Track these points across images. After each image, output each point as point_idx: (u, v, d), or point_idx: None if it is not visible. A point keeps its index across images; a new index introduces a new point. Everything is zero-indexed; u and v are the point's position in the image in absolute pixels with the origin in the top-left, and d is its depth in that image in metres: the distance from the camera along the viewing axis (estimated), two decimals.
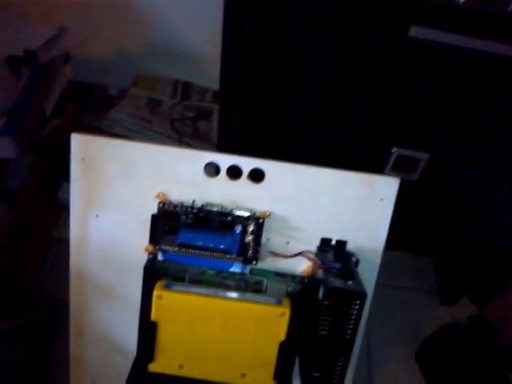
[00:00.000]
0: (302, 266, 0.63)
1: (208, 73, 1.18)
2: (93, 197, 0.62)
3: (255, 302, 0.59)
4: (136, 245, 0.62)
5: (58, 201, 0.86)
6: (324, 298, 0.52)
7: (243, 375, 0.60)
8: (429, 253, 0.95)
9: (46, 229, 0.86)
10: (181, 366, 0.60)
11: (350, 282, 0.53)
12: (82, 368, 0.70)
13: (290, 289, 0.62)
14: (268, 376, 0.60)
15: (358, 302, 0.51)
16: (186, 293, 0.59)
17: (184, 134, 1.00)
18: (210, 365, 0.60)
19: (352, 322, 0.52)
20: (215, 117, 1.07)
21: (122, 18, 1.03)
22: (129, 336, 0.66)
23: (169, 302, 0.58)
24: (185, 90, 1.13)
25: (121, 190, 0.61)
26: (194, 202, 0.59)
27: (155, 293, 0.58)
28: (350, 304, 0.51)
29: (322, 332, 0.53)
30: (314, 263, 0.58)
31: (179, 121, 1.02)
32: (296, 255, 0.60)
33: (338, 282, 0.53)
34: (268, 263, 0.62)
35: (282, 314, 0.58)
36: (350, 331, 0.52)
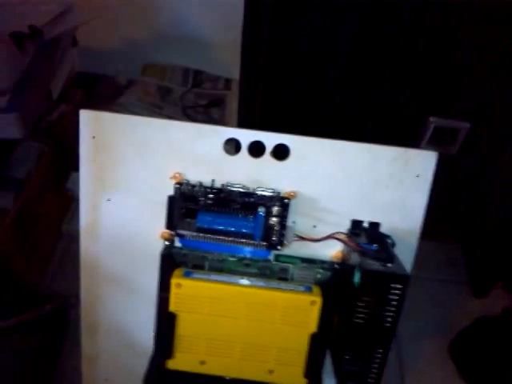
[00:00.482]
0: (332, 251, 0.58)
1: (219, 60, 1.14)
2: (104, 179, 0.57)
3: (282, 289, 0.54)
4: (151, 231, 0.58)
5: (66, 192, 0.82)
6: (361, 282, 0.47)
7: (270, 372, 0.55)
8: (457, 240, 0.89)
9: (55, 222, 0.82)
10: (202, 363, 0.55)
11: (389, 265, 0.47)
12: (94, 367, 0.66)
13: (319, 276, 0.57)
14: (297, 373, 0.55)
15: (400, 285, 0.46)
16: (207, 281, 0.54)
17: (197, 120, 0.96)
18: (234, 360, 0.55)
19: (393, 308, 0.47)
20: (228, 104, 1.03)
21: (128, 4, 0.99)
22: (145, 331, 0.61)
23: (188, 290, 0.53)
24: (196, 77, 1.08)
25: (134, 171, 0.57)
26: (213, 181, 0.55)
27: (173, 281, 0.53)
28: (391, 288, 0.46)
29: (358, 321, 0.48)
30: (348, 245, 0.53)
31: (191, 108, 0.98)
32: (326, 238, 0.55)
33: (376, 265, 0.47)
34: (294, 249, 0.57)
35: (313, 303, 0.52)
36: (390, 319, 0.47)
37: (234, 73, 1.11)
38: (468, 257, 0.89)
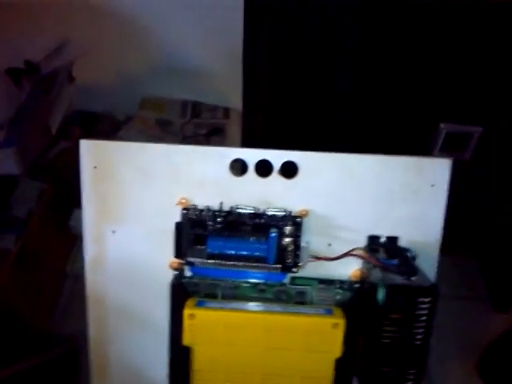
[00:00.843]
0: (351, 270, 0.55)
1: (217, 90, 1.14)
2: (108, 210, 0.55)
3: (302, 313, 0.51)
4: (160, 261, 0.55)
5: (69, 230, 0.80)
6: (386, 299, 0.44)
7: None
8: (471, 254, 0.86)
9: (59, 262, 0.80)
10: None
11: (413, 278, 0.45)
12: None
13: (338, 297, 0.54)
14: None
15: (428, 298, 0.43)
16: (222, 309, 0.51)
17: None
18: None
19: (422, 323, 0.44)
20: (228, 132, 1.02)
21: (122, 39, 1.00)
22: (158, 369, 0.57)
23: (202, 321, 0.50)
24: (194, 108, 1.08)
25: (139, 199, 0.55)
26: (221, 204, 0.53)
27: (186, 312, 0.50)
28: (418, 302, 0.43)
29: (386, 341, 0.45)
30: (368, 261, 0.50)
31: (192, 137, 0.97)
32: (344, 255, 0.52)
33: (399, 279, 0.45)
34: (310, 270, 0.54)
35: (335, 326, 0.49)
36: (420, 336, 0.44)
37: (233, 101, 1.11)
38: (485, 271, 0.86)
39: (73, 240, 0.75)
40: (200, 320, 0.50)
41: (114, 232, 0.56)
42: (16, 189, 0.70)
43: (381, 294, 0.45)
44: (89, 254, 0.57)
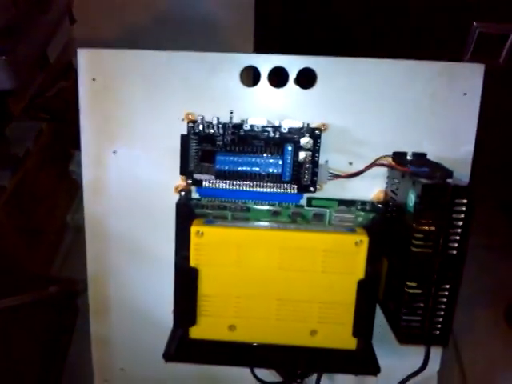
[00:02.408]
0: (373, 192, 0.50)
1: (227, 41, 1.09)
2: (108, 128, 0.51)
3: (321, 231, 0.47)
4: (164, 184, 0.51)
5: (70, 176, 0.76)
6: (418, 201, 0.39)
7: (313, 333, 0.47)
8: (495, 202, 0.82)
9: (59, 209, 0.76)
10: (231, 328, 0.47)
11: (449, 180, 0.40)
12: (106, 354, 0.57)
13: (360, 219, 0.49)
14: (345, 332, 0.47)
15: (466, 200, 0.38)
16: (232, 227, 0.47)
17: None
18: (269, 322, 0.47)
19: (458, 229, 0.39)
20: None
21: None
22: (162, 307, 0.53)
23: (211, 239, 0.45)
24: None
25: (142, 116, 0.50)
26: (231, 115, 0.48)
27: (193, 229, 0.45)
28: (456, 204, 0.38)
29: (417, 250, 0.40)
30: (397, 169, 0.45)
31: None
32: (369, 167, 0.47)
33: (433, 181, 0.40)
34: (329, 191, 0.50)
35: (359, 243, 0.45)
36: (456, 244, 0.39)
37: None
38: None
39: (74, 188, 0.71)
40: (208, 238, 0.45)
41: (114, 153, 0.51)
42: (14, 127, 0.66)
43: (411, 199, 0.40)
44: (87, 177, 0.52)
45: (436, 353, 0.55)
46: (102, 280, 0.55)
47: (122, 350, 0.57)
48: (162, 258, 0.52)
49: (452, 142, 0.49)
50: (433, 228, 0.39)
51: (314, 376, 0.54)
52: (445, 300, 0.40)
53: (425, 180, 0.39)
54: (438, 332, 0.41)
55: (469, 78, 0.48)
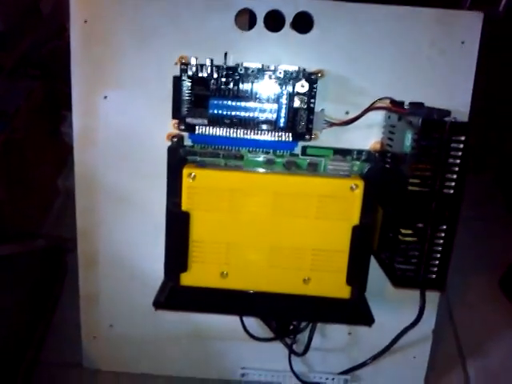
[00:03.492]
0: (369, 143, 0.50)
1: None
2: (99, 73, 0.49)
3: (316, 175, 0.46)
4: (157, 132, 0.49)
5: (61, 138, 0.74)
6: (416, 137, 0.38)
7: (306, 281, 0.46)
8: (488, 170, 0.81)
9: (49, 171, 0.74)
10: (223, 275, 0.46)
11: (447, 118, 0.39)
12: (95, 309, 0.56)
13: (355, 169, 0.48)
14: (338, 280, 0.46)
15: (463, 137, 0.38)
16: (226, 170, 0.46)
17: None
18: (262, 270, 0.46)
19: (456, 168, 0.38)
20: None
21: None
22: (152, 260, 0.52)
23: (204, 182, 0.44)
24: None
25: (134, 59, 0.49)
26: (226, 56, 0.47)
27: (186, 171, 0.44)
28: (453, 141, 0.38)
29: (414, 188, 0.39)
30: (395, 111, 0.44)
31: None
32: (366, 111, 0.46)
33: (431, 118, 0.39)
34: (324, 140, 0.49)
35: (354, 187, 0.44)
36: (453, 183, 0.39)
37: None
38: (506, 189, 0.81)
39: (65, 151, 0.69)
40: (201, 181, 0.44)
41: (105, 98, 0.50)
42: (2, 82, 0.64)
43: (409, 140, 0.40)
44: (78, 124, 0.51)
45: (431, 311, 0.55)
46: (92, 233, 0.54)
47: (110, 306, 0.56)
48: (153, 208, 0.51)
49: (449, 92, 0.48)
50: (429, 166, 0.38)
51: (307, 332, 0.54)
52: (441, 242, 0.40)
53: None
54: (434, 276, 0.41)
55: (467, 26, 0.47)
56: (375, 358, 0.54)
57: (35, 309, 0.54)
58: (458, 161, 0.38)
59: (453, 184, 0.38)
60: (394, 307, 0.53)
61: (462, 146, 0.38)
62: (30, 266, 0.54)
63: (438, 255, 0.40)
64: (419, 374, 0.58)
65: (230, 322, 0.54)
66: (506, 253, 0.71)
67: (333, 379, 0.56)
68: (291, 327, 0.53)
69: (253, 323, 0.54)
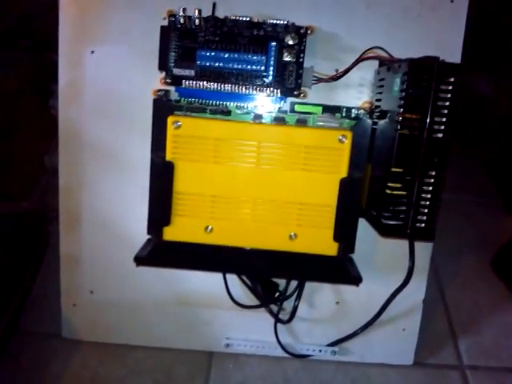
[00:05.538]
0: (359, 103, 0.49)
1: None
2: (86, 27, 0.49)
3: (304, 126, 0.45)
4: (144, 89, 0.48)
5: (49, 112, 0.73)
6: (405, 78, 0.37)
7: (292, 237, 0.45)
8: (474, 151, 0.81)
9: (36, 146, 0.73)
10: (207, 230, 0.45)
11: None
12: (75, 275, 0.54)
13: (345, 126, 0.47)
14: (325, 236, 0.44)
15: (452, 78, 0.37)
16: (211, 119, 0.45)
17: None
18: (247, 224, 0.44)
19: (445, 110, 0.37)
20: None
21: None
22: (135, 221, 0.50)
23: (189, 130, 0.43)
24: None
25: (121, 14, 0.48)
26: (214, 6, 0.46)
27: (171, 119, 0.43)
28: (442, 82, 0.37)
29: (403, 132, 0.38)
30: (386, 60, 0.44)
31: None
32: (357, 62, 0.45)
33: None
34: (313, 98, 0.48)
35: (343, 139, 0.43)
36: (442, 126, 0.38)
37: None
38: (495, 173, 0.80)
39: (53, 126, 0.68)
40: (186, 130, 0.43)
41: (92, 52, 0.49)
42: None
43: (397, 85, 0.39)
44: (64, 79, 0.50)
45: (421, 281, 0.53)
46: (74, 192, 0.52)
47: (91, 270, 0.54)
48: (138, 166, 0.50)
49: (439, 51, 0.47)
50: (419, 108, 0.37)
51: (292, 299, 0.52)
52: (430, 189, 0.39)
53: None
54: (423, 225, 0.39)
55: None
56: (365, 328, 0.52)
57: (13, 274, 0.52)
58: (448, 103, 0.37)
59: (442, 127, 0.38)
60: (382, 274, 0.52)
61: (451, 87, 0.37)
62: (13, 230, 0.52)
63: (427, 203, 0.39)
64: (409, 348, 0.56)
65: (215, 288, 0.53)
66: (496, 234, 0.70)
67: (320, 351, 0.54)
68: (277, 294, 0.51)
69: (238, 290, 0.53)
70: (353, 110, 0.47)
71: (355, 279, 0.44)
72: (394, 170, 0.39)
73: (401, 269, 0.48)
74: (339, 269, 0.45)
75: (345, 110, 0.47)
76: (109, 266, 0.54)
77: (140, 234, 0.48)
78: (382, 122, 0.44)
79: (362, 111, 0.47)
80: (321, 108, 0.47)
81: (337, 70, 0.48)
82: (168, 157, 0.43)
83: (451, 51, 0.48)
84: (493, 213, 0.75)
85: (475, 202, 0.78)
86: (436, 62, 0.37)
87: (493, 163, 0.82)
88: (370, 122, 0.45)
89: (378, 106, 0.46)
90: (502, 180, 0.79)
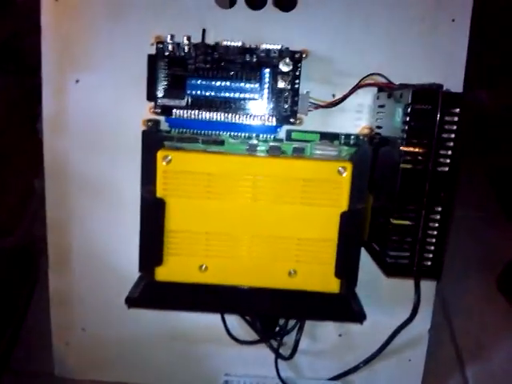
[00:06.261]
0: (358, 128, 0.47)
1: None
2: (71, 55, 0.46)
3: (302, 157, 0.43)
4: (131, 117, 0.46)
5: (36, 136, 0.71)
6: (407, 110, 0.35)
7: (291, 273, 0.42)
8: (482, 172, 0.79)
9: (24, 172, 0.70)
10: (202, 268, 0.42)
11: (441, 90, 0.36)
12: (66, 313, 0.52)
13: (343, 154, 0.45)
14: (327, 272, 0.42)
15: (457, 109, 0.35)
16: (203, 152, 0.43)
17: None
18: (243, 261, 0.42)
19: (451, 143, 0.35)
20: None
21: None
22: (127, 253, 0.48)
23: (180, 166, 0.41)
24: None
25: (107, 40, 0.46)
26: (204, 32, 0.44)
27: (161, 153, 0.41)
28: (447, 113, 0.35)
29: (406, 166, 0.36)
30: (386, 87, 0.41)
31: None
32: (355, 88, 0.43)
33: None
34: (310, 125, 0.46)
35: (342, 171, 0.41)
36: (448, 160, 0.36)
37: None
38: (498, 186, 0.79)
39: (41, 150, 0.66)
40: (176, 165, 0.41)
41: (77, 82, 0.47)
42: None
43: (399, 115, 0.37)
44: (48, 110, 0.48)
45: (426, 309, 0.51)
46: (63, 226, 0.50)
47: (83, 307, 0.52)
48: (128, 199, 0.47)
49: (441, 71, 0.46)
50: (422, 141, 0.35)
51: (293, 334, 0.50)
52: (436, 225, 0.37)
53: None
54: (429, 263, 0.37)
55: (457, 2, 0.45)
56: (368, 361, 0.50)
57: (2, 312, 0.50)
58: (453, 135, 0.35)
59: (448, 161, 0.35)
60: (387, 305, 0.50)
61: (456, 118, 0.35)
62: None
63: (433, 240, 0.37)
64: (415, 378, 0.54)
65: (212, 323, 0.50)
66: (502, 251, 0.68)
67: None
68: (277, 328, 0.49)
69: (236, 325, 0.50)
70: (352, 137, 0.45)
71: (359, 317, 0.42)
72: (397, 205, 0.36)
73: (406, 298, 0.46)
74: (342, 306, 0.42)
75: (343, 136, 0.45)
76: (101, 302, 0.51)
77: (132, 269, 0.45)
78: (383, 150, 0.42)
79: (361, 137, 0.45)
80: (318, 135, 0.45)
81: (334, 95, 0.46)
82: (159, 193, 0.41)
83: (454, 72, 0.46)
84: (498, 228, 0.73)
85: (479, 217, 0.76)
86: (440, 92, 0.34)
87: (495, 173, 0.80)
88: (370, 149, 0.43)
89: (378, 133, 0.44)
90: (505, 190, 0.77)
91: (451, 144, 0.35)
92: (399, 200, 0.36)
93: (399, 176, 0.36)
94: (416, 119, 0.35)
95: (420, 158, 0.35)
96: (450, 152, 0.35)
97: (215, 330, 0.51)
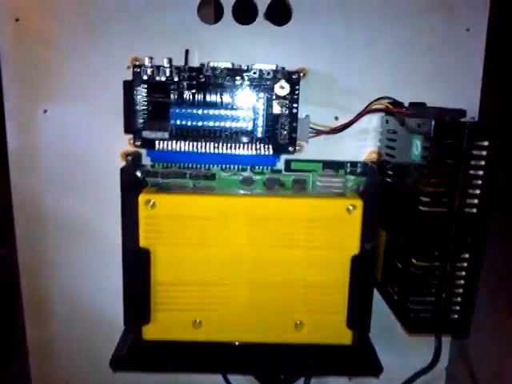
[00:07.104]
0: (364, 154, 0.42)
1: None
2: (36, 83, 0.41)
3: (305, 195, 0.38)
4: (108, 149, 0.41)
5: None
6: (428, 144, 0.30)
7: (298, 325, 0.37)
8: None
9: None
10: (195, 324, 0.37)
11: (463, 119, 0.32)
12: (48, 365, 0.47)
13: (350, 185, 0.40)
14: (337, 322, 0.37)
15: (486, 142, 0.30)
16: (191, 194, 0.37)
17: None
18: (243, 315, 0.37)
19: (479, 180, 0.30)
20: None
21: None
22: (110, 299, 0.42)
23: (165, 210, 0.35)
24: None
25: (78, 65, 0.40)
26: (187, 53, 0.38)
27: (142, 197, 0.36)
28: (474, 147, 0.30)
29: (425, 209, 0.31)
30: (396, 112, 0.36)
31: None
32: (362, 114, 0.38)
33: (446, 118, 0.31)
34: (311, 152, 0.41)
35: (351, 209, 0.36)
36: (477, 200, 0.31)
37: None
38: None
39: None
40: (161, 209, 0.35)
41: (45, 112, 0.41)
42: None
43: (418, 147, 0.32)
44: (14, 145, 0.42)
45: (444, 346, 0.47)
46: (37, 273, 0.45)
47: (65, 359, 0.46)
48: (107, 241, 0.42)
49: (454, 89, 0.41)
50: (446, 180, 0.30)
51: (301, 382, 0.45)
52: (464, 274, 0.32)
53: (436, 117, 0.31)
54: (456, 316, 0.33)
55: (471, 10, 0.40)
56: None
57: None
58: (481, 172, 0.30)
59: (476, 201, 0.31)
60: (402, 348, 0.45)
61: (485, 152, 0.30)
62: None
63: (461, 291, 0.32)
64: None
65: (210, 379, 0.45)
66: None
67: None
68: (283, 377, 0.44)
69: (238, 377, 0.46)
70: (358, 165, 0.40)
71: (374, 370, 0.37)
72: (417, 249, 0.32)
73: (423, 339, 0.42)
74: (355, 359, 0.38)
75: (349, 164, 0.40)
76: (84, 353, 0.46)
77: (117, 317, 0.40)
78: (395, 179, 0.37)
79: (369, 165, 0.40)
80: (321, 164, 0.40)
81: (336, 118, 0.41)
82: (142, 243, 0.36)
83: (469, 88, 0.41)
84: (508, 249, 0.69)
85: (488, 237, 0.71)
86: (466, 124, 0.29)
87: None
88: (379, 179, 0.38)
89: (389, 157, 0.39)
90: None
91: (480, 182, 0.30)
92: (419, 248, 0.32)
93: (418, 220, 0.31)
94: (439, 156, 0.30)
95: (443, 199, 0.31)
96: (478, 191, 0.31)
97: (213, 380, 0.46)
